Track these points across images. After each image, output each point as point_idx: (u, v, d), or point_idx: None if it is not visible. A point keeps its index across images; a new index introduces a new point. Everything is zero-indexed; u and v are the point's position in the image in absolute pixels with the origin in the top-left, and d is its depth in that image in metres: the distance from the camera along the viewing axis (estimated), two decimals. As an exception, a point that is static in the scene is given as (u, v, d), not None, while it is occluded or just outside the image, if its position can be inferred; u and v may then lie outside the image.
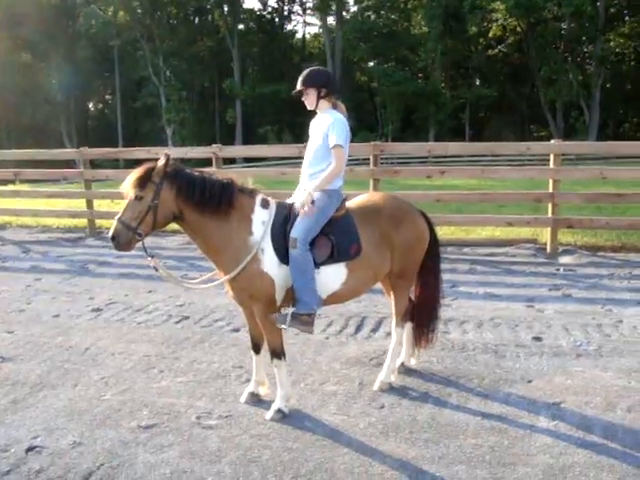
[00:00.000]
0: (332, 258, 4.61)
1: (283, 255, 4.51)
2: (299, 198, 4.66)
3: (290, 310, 4.52)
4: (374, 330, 6.57)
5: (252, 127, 58.44)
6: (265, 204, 4.66)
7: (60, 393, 5.12)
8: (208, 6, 62.87)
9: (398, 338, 5.23)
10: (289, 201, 4.87)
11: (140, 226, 4.38)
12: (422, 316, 5.35)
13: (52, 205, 15.75)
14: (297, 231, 4.50)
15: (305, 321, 4.54)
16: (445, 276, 8.22)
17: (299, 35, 73.31)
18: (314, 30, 74.76)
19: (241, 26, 62.82)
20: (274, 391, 4.82)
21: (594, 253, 10.01)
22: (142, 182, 4.36)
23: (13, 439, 4.37)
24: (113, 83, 62.80)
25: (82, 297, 8.10)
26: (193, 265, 9.80)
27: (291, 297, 4.61)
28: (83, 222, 13.41)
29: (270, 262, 4.51)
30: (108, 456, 4.11)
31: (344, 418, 4.58)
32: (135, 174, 4.39)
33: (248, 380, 5.19)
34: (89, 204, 12.80)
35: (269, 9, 67.35)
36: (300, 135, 52.89)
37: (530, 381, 5.17)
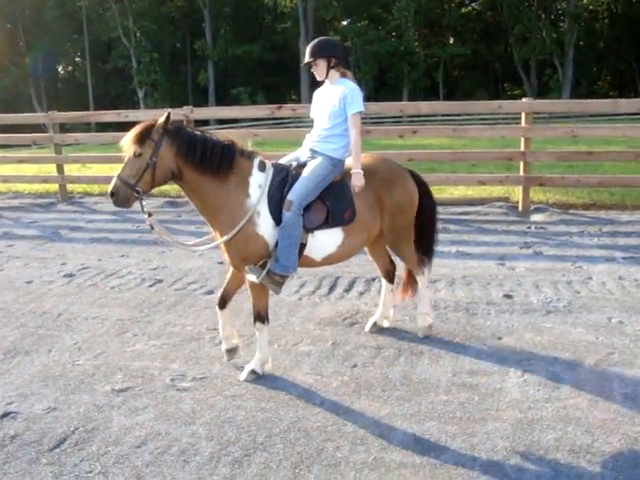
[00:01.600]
0: (327, 223, 4.65)
1: (278, 218, 4.53)
2: (354, 180, 4.69)
3: (267, 267, 4.52)
4: (347, 290, 6.61)
5: (225, 88, 57.81)
6: (262, 167, 4.66)
7: (34, 359, 5.11)
8: (178, -36, 61.70)
9: (423, 283, 5.37)
10: (284, 162, 4.91)
11: (138, 183, 4.38)
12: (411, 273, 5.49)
13: (22, 171, 15.54)
14: (294, 194, 4.52)
15: (277, 281, 4.57)
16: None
17: (271, -6, 72.24)
18: (286, -11, 73.65)
19: (212, -16, 61.73)
20: (248, 351, 4.85)
21: (565, 211, 10.11)
22: (141, 139, 4.34)
23: (-13, 405, 4.37)
24: (82, 45, 61.55)
25: (54, 263, 8.05)
26: (167, 228, 9.70)
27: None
28: (54, 187, 13.25)
29: (265, 225, 4.54)
30: (83, 420, 4.13)
31: (317, 378, 4.64)
32: (134, 131, 4.37)
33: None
34: (60, 169, 12.61)
35: (240, -33, 66.15)
36: (273, 96, 52.54)
37: (500, 338, 5.25)
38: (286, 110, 11.78)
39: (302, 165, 4.79)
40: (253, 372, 4.69)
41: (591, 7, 54.04)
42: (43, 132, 20.90)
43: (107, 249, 8.65)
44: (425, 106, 12.74)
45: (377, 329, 5.47)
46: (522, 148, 10.06)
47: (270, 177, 4.62)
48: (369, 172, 4.83)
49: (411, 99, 47.89)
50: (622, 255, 7.60)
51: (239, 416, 4.12)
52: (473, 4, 58.34)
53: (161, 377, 4.72)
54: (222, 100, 54.48)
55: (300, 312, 6.00)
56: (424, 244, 5.35)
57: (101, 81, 62.73)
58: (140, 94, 56.24)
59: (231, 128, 30.02)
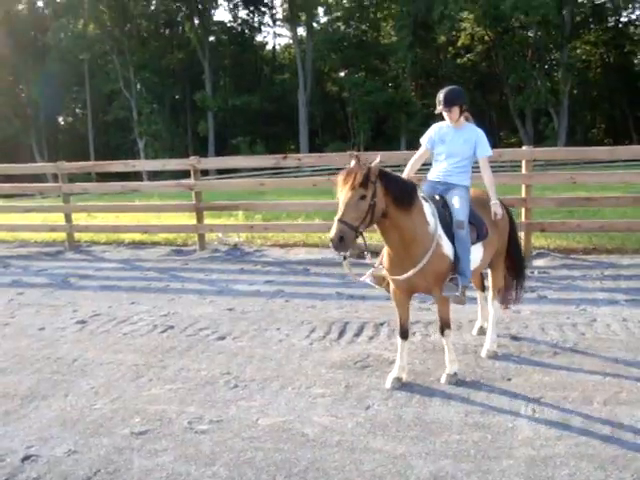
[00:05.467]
0: (478, 238, 5.43)
1: (450, 238, 5.20)
2: (495, 209, 5.68)
3: (460, 281, 5.18)
4: (357, 335, 6.71)
5: (224, 138, 58.55)
6: (424, 199, 5.26)
7: (52, 403, 5.19)
8: (178, 19, 63.01)
9: (496, 310, 6.11)
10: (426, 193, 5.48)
11: (361, 225, 4.71)
12: (512, 280, 6.38)
13: (28, 220, 15.72)
14: (461, 214, 5.28)
15: (463, 292, 5.25)
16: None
17: (269, 46, 73.72)
18: (285, 41, 75.13)
19: (212, 38, 62.98)
20: (263, 394, 4.93)
21: (567, 255, 10.26)
22: (365, 182, 4.67)
23: (8, 449, 4.43)
24: (84, 97, 62.49)
25: (66, 310, 8.15)
26: (174, 276, 9.90)
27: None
28: (61, 236, 13.41)
29: (446, 245, 5.17)
30: (104, 462, 4.20)
31: (332, 419, 4.72)
32: (355, 175, 4.68)
33: (236, 386, 5.35)
34: (67, 218, 12.81)
35: (239, 20, 67.52)
36: (272, 146, 53.16)
37: (510, 379, 5.35)
38: (292, 160, 12.01)
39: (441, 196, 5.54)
40: (454, 374, 5.33)
41: (584, 57, 55.09)
42: (42, 182, 21.11)
43: (117, 296, 8.76)
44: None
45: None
46: (523, 194, 10.26)
47: (434, 205, 5.25)
48: (481, 200, 5.76)
49: (409, 148, 48.39)
50: (625, 298, 7.72)
51: (258, 457, 4.20)
52: (468, 55, 59.38)
53: (179, 420, 4.79)
54: (221, 150, 55.13)
55: (312, 356, 6.10)
56: (515, 273, 6.34)
57: (101, 132, 63.55)
58: (141, 144, 56.92)
59: (231, 178, 30.41)
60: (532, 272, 9.29)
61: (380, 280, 5.54)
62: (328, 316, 7.37)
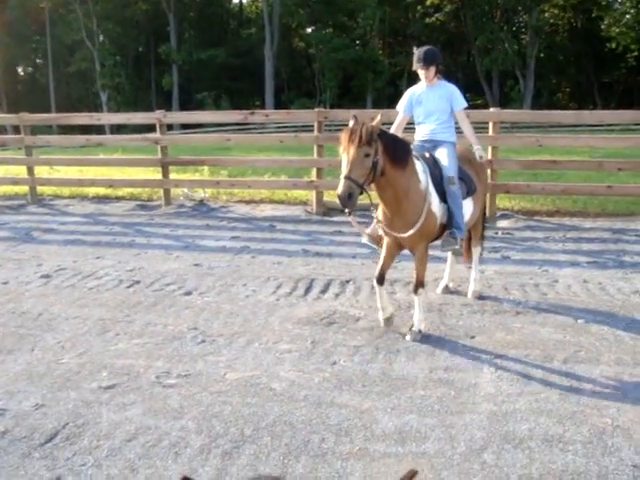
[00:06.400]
0: (467, 194, 5.70)
1: (440, 195, 5.41)
2: (480, 153, 6.00)
3: (457, 235, 5.45)
4: (323, 292, 6.77)
5: (189, 93, 57.63)
6: (416, 157, 5.46)
7: (17, 357, 5.17)
8: (144, -32, 61.33)
9: (477, 255, 6.57)
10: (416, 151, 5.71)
11: (365, 182, 4.91)
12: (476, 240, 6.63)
13: (-11, 172, 15.42)
14: (451, 170, 5.51)
15: (460, 244, 5.57)
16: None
17: (236, 0, 72.30)
18: (251, -5, 73.76)
19: (177, -11, 61.46)
20: (230, 349, 4.98)
21: (530, 217, 10.43)
22: (369, 141, 4.85)
23: (-26, 402, 4.43)
24: (44, 47, 60.78)
25: (30, 264, 8.07)
26: (140, 231, 9.84)
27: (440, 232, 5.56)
28: (24, 189, 13.17)
29: (435, 202, 5.37)
30: (72, 416, 4.22)
31: (299, 374, 4.79)
32: (359, 133, 4.82)
33: (204, 341, 5.39)
34: (30, 171, 12.59)
35: (206, -28, 66.01)
36: (237, 102, 52.54)
37: (473, 337, 5.47)
38: (260, 116, 11.91)
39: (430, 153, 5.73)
40: (419, 332, 5.46)
41: (552, 21, 55.07)
42: (2, 134, 20.62)
43: (82, 251, 8.69)
44: (394, 114, 12.97)
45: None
46: (489, 156, 10.32)
47: (424, 163, 5.46)
48: (467, 158, 6.04)
49: (375, 107, 48.26)
50: (586, 260, 7.90)
51: (226, 411, 4.25)
52: (437, 15, 59.03)
53: (146, 374, 4.82)
54: (186, 104, 54.33)
55: (278, 312, 6.15)
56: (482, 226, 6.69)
57: (63, 83, 61.97)
58: (103, 97, 55.73)
59: (195, 133, 30.07)
60: (496, 233, 9.43)
61: (377, 239, 5.76)
62: (294, 273, 7.42)
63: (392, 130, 5.92)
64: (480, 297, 6.48)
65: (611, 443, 3.78)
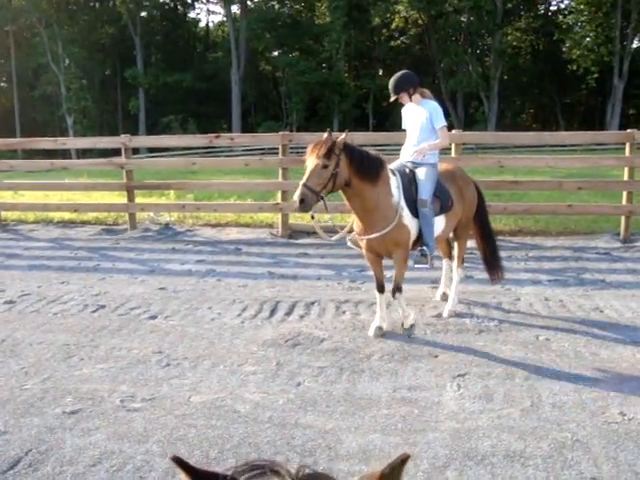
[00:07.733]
0: (441, 210, 6.06)
1: (413, 210, 5.83)
2: (417, 149, 6.19)
3: (427, 251, 5.94)
4: (288, 313, 6.78)
5: (155, 117, 57.49)
6: (393, 172, 5.91)
7: (-22, 383, 5.11)
8: (109, -8, 61.35)
9: (459, 277, 6.81)
10: (396, 167, 6.16)
11: (323, 191, 5.39)
12: (489, 258, 7.02)
13: (-49, 197, 15.19)
14: (426, 194, 5.88)
15: (429, 259, 6.03)
16: (354, 261, 8.58)
17: (203, 23, 72.61)
18: (218, 18, 74.16)
19: (144, 13, 61.45)
20: (194, 373, 4.97)
21: (493, 237, 10.54)
22: (328, 153, 5.33)
23: None
24: (9, 69, 60.32)
25: (-8, 289, 7.97)
26: (105, 255, 9.78)
27: (415, 243, 6.02)
28: (-14, 214, 12.98)
29: (407, 216, 5.80)
30: (35, 442, 4.16)
31: (264, 396, 4.79)
32: (321, 146, 5.34)
33: (168, 364, 5.37)
34: (-8, 196, 12.46)
35: (172, -4, 66.21)
36: (204, 125, 52.50)
37: (436, 356, 5.52)
38: (225, 139, 11.96)
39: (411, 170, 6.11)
40: (412, 326, 6.05)
41: (515, 43, 56.15)
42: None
43: (46, 276, 8.59)
44: (358, 137, 13.09)
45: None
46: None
47: (400, 179, 5.86)
48: (452, 174, 6.49)
49: (342, 129, 48.59)
50: (547, 278, 8.03)
51: (190, 434, 4.24)
52: (402, 37, 59.85)
53: (111, 399, 4.78)
54: (152, 128, 54.24)
55: (243, 334, 6.15)
56: (489, 249, 7.01)
57: (28, 107, 61.48)
58: (69, 121, 55.40)
59: (161, 156, 30.01)
60: (460, 253, 9.52)
61: (358, 243, 6.12)
62: (260, 295, 7.43)
63: (403, 150, 6.49)
64: (442, 317, 6.55)
65: (571, 457, 3.84)
